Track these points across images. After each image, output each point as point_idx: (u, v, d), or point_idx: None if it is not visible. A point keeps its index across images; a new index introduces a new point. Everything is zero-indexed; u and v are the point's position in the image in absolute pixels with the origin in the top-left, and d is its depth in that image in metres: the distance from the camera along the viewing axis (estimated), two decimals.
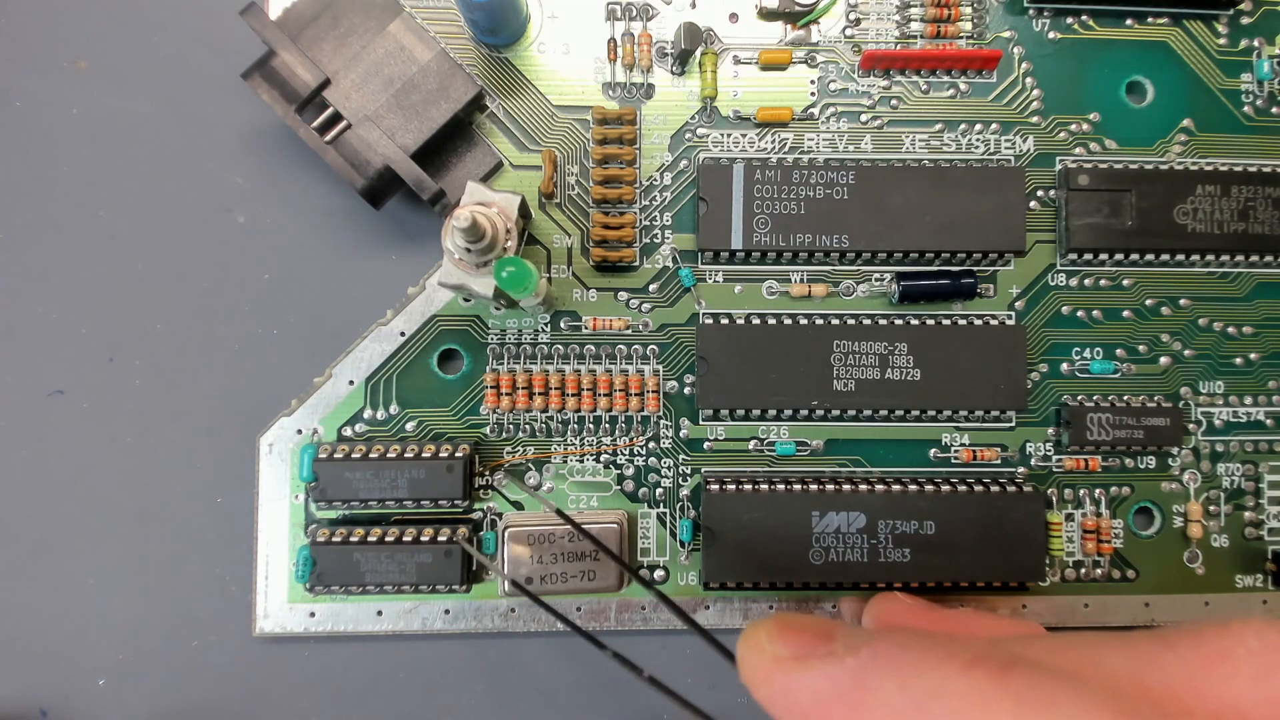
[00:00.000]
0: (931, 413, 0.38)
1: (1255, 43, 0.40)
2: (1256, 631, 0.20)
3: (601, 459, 0.39)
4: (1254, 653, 0.19)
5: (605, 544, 0.32)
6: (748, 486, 0.37)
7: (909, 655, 0.21)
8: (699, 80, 0.39)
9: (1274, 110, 0.40)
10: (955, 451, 0.39)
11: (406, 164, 0.36)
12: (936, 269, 0.39)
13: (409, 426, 0.39)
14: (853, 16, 0.40)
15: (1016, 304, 0.40)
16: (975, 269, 0.39)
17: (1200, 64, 0.40)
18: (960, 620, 0.33)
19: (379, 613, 0.38)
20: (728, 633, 0.38)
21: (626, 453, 0.39)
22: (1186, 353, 0.40)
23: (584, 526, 0.35)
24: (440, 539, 0.37)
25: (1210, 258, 0.40)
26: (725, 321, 0.38)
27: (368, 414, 0.38)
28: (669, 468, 0.39)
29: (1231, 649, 0.20)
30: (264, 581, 0.38)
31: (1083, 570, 0.39)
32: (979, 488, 0.37)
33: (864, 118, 0.40)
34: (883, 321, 0.39)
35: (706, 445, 0.39)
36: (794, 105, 0.39)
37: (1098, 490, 0.39)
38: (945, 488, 0.37)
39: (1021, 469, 0.39)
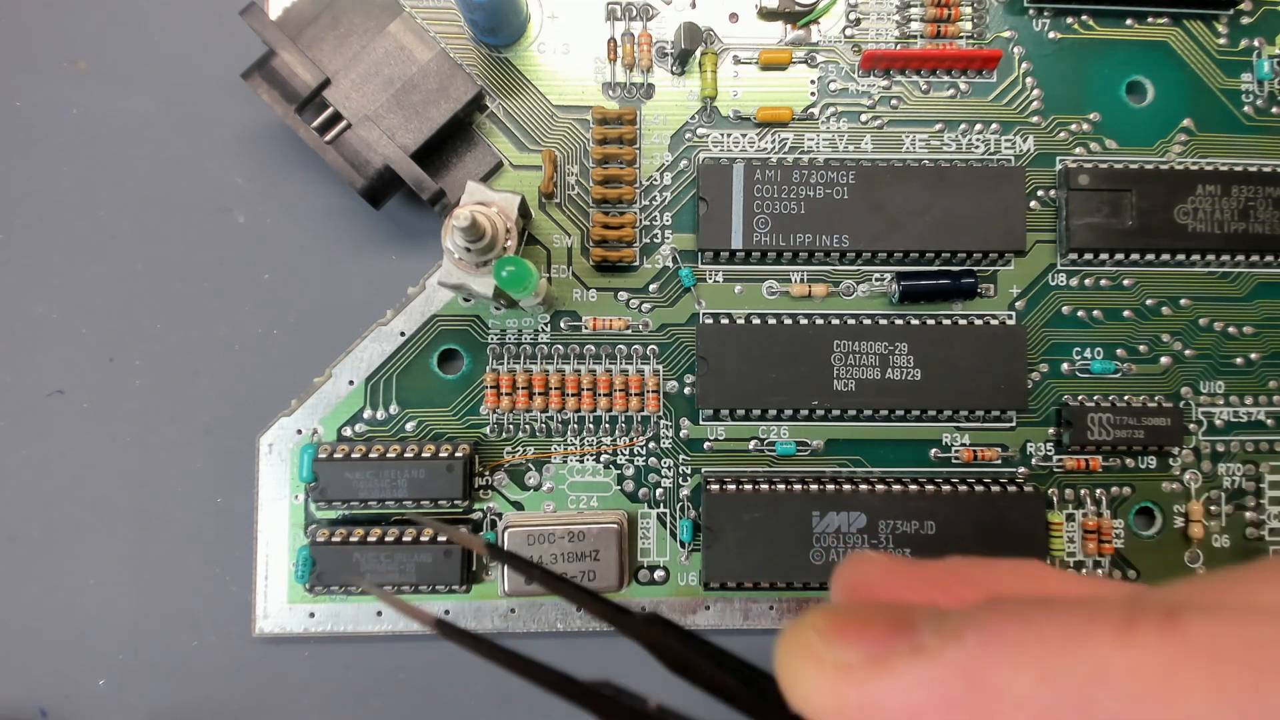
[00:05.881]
0: (932, 413, 0.38)
1: (1255, 43, 0.40)
2: None
3: (601, 459, 0.39)
4: None
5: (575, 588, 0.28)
6: (748, 486, 0.37)
7: (1035, 631, 0.15)
8: (699, 80, 0.39)
9: (1274, 110, 0.40)
10: (955, 451, 0.39)
11: (406, 164, 0.36)
12: (936, 269, 0.39)
13: (409, 426, 0.39)
14: (853, 16, 0.40)
15: (1017, 304, 0.40)
16: (975, 269, 0.39)
17: (1200, 64, 0.40)
18: (952, 571, 0.27)
19: (379, 613, 0.38)
20: (727, 634, 0.38)
21: (626, 453, 0.39)
22: (1187, 353, 0.40)
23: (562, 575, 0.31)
24: (440, 539, 0.37)
25: (1210, 257, 0.40)
26: (725, 321, 0.38)
27: (368, 414, 0.38)
28: (669, 468, 0.39)
29: None
30: (264, 581, 0.38)
31: (1084, 570, 0.39)
32: (979, 488, 0.37)
33: (864, 118, 0.40)
34: (883, 321, 0.39)
35: (706, 445, 0.39)
36: (794, 105, 0.39)
37: (1098, 490, 0.39)
38: (945, 488, 0.37)
39: (1022, 469, 0.39)
